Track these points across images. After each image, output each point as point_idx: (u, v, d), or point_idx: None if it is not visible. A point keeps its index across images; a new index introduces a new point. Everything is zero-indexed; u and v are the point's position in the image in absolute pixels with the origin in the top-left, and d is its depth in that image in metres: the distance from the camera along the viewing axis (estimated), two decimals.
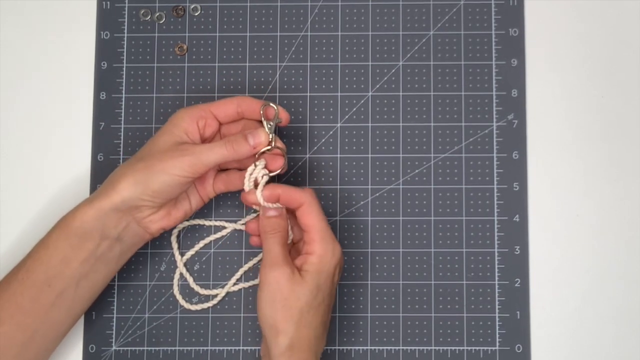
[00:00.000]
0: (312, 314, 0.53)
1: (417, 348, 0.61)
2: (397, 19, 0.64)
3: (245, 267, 0.62)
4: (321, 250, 0.54)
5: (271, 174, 0.57)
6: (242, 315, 0.62)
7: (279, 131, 0.62)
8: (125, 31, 0.65)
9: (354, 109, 0.64)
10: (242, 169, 0.59)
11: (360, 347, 0.61)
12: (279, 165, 0.57)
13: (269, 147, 0.56)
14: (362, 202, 0.63)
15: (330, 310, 0.56)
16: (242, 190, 0.57)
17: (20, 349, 0.52)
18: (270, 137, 0.56)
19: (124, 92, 0.64)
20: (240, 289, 0.62)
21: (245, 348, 0.61)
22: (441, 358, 0.61)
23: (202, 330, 0.61)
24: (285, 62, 0.64)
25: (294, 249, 0.58)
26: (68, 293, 0.53)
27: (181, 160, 0.53)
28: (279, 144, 0.57)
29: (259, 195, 0.55)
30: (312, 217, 0.55)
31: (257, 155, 0.56)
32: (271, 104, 0.57)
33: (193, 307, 0.61)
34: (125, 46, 0.64)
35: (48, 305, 0.53)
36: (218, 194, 0.60)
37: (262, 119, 0.56)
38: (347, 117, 0.64)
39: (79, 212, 0.53)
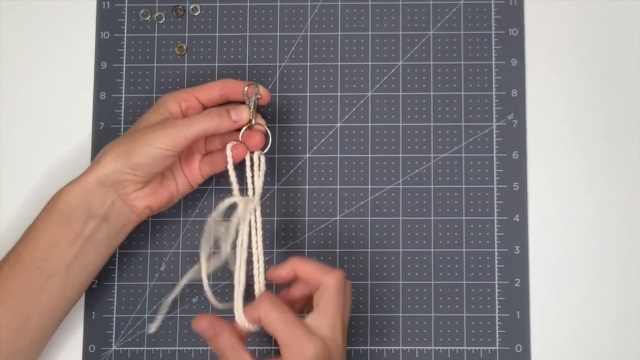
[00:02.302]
0: None
1: (417, 348, 0.61)
2: (397, 19, 0.64)
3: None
4: (285, 345, 0.49)
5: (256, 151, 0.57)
6: None
7: (279, 128, 0.63)
8: (125, 31, 0.65)
9: (354, 109, 0.64)
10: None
11: (361, 347, 0.61)
12: (256, 141, 0.57)
13: (249, 124, 0.57)
14: (362, 202, 0.63)
15: None
16: (226, 169, 0.57)
17: (13, 335, 0.52)
18: (252, 112, 0.57)
19: (123, 92, 0.64)
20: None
21: None
22: (441, 358, 0.61)
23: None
24: (285, 62, 0.64)
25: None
26: (58, 277, 0.53)
27: (162, 133, 0.54)
28: (260, 120, 0.58)
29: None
30: (272, 326, 0.50)
31: (241, 133, 0.57)
32: (253, 83, 0.57)
33: (221, 306, 0.56)
34: (125, 46, 0.65)
35: (39, 289, 0.53)
36: (206, 178, 0.60)
37: (245, 97, 0.57)
38: (347, 117, 0.64)
39: (65, 192, 0.54)
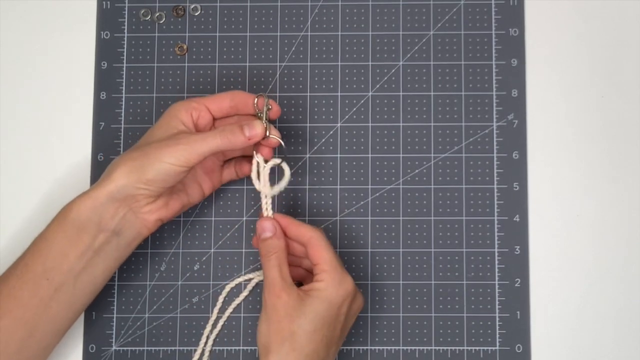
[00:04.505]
0: (304, 339, 0.52)
1: (417, 348, 0.61)
2: (397, 19, 0.64)
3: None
4: (328, 279, 0.53)
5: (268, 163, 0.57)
6: (242, 315, 0.62)
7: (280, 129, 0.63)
8: (125, 31, 0.65)
9: (354, 109, 0.64)
10: (248, 155, 0.60)
11: (360, 347, 0.61)
12: (268, 152, 0.57)
13: (265, 136, 0.56)
14: (362, 202, 0.63)
15: (330, 345, 0.54)
16: (249, 176, 0.58)
17: (20, 345, 0.52)
18: (265, 124, 0.56)
19: (124, 92, 0.64)
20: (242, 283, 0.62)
21: (245, 348, 0.61)
22: (441, 358, 0.61)
23: (202, 330, 0.61)
24: (285, 62, 0.64)
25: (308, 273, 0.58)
26: (67, 288, 0.53)
27: (175, 149, 0.53)
28: (274, 132, 0.57)
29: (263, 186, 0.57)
30: (321, 250, 0.54)
31: (253, 146, 0.57)
32: (263, 95, 0.57)
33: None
34: (125, 46, 0.64)
35: (47, 299, 0.52)
36: (224, 183, 0.61)
37: (256, 109, 0.56)
38: (347, 117, 0.64)
39: (76, 204, 0.53)
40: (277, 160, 0.57)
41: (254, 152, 0.57)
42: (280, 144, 0.57)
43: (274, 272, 0.54)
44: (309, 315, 0.52)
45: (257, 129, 0.55)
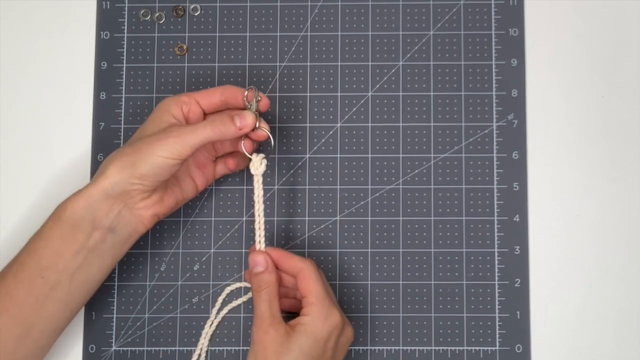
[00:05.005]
0: None
1: (417, 348, 0.61)
2: (397, 19, 0.64)
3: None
4: (315, 312, 0.53)
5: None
6: (242, 315, 0.62)
7: (279, 129, 0.63)
8: (125, 31, 0.65)
9: (354, 109, 0.64)
10: (237, 151, 0.59)
11: (360, 347, 0.61)
12: (258, 136, 0.57)
13: (254, 128, 0.56)
14: (362, 202, 0.63)
15: None
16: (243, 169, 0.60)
17: (16, 344, 0.52)
18: (255, 115, 0.56)
19: (124, 92, 0.64)
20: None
21: (245, 348, 0.61)
22: (441, 358, 0.61)
23: (202, 330, 0.61)
24: (285, 62, 0.64)
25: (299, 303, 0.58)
26: (62, 286, 0.53)
27: (167, 142, 0.53)
28: (264, 124, 0.57)
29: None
30: (310, 282, 0.54)
31: (242, 138, 0.57)
32: (253, 87, 0.57)
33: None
34: (125, 46, 0.65)
35: (43, 298, 0.52)
36: (217, 178, 0.61)
37: (245, 101, 0.56)
38: (347, 117, 0.64)
39: (70, 202, 0.53)
40: (262, 156, 0.57)
41: (241, 146, 0.57)
42: (269, 137, 0.57)
43: (263, 307, 0.54)
44: (295, 352, 0.52)
45: (247, 119, 0.55)
